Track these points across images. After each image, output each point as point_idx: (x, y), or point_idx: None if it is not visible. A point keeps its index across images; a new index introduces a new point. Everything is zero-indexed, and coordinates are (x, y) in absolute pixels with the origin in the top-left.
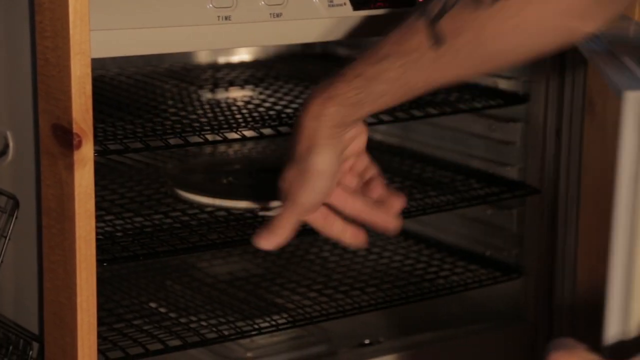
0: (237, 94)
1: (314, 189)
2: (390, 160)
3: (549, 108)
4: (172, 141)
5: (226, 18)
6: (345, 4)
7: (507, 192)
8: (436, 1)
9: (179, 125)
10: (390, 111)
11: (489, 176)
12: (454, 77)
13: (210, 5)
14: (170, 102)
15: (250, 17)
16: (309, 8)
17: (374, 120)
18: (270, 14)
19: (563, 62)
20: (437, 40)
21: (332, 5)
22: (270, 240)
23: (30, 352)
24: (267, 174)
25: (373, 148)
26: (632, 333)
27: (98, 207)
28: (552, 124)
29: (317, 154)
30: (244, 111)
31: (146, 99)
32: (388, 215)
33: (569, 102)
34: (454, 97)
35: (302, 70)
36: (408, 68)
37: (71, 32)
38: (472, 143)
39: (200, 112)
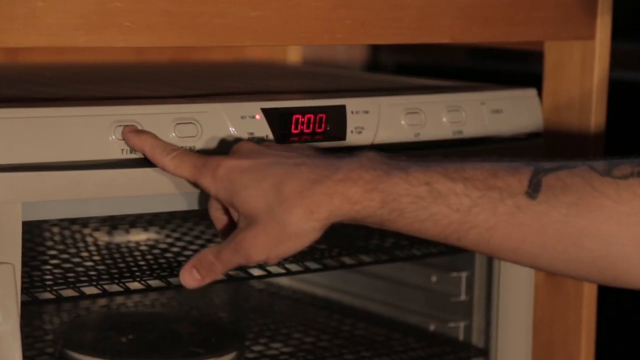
0: (140, 237)
1: (287, 253)
2: (317, 314)
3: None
4: (63, 293)
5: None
6: (267, 136)
7: (450, 354)
8: (552, 161)
9: (71, 275)
10: (318, 258)
11: (429, 334)
12: (526, 245)
13: (113, 137)
14: (60, 247)
15: None
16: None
17: (300, 269)
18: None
19: None
20: (536, 189)
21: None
22: (198, 283)
23: None
24: (173, 329)
25: (297, 300)
26: None
27: None
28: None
29: (312, 228)
30: (149, 257)
31: (31, 243)
32: None
33: None
34: (390, 243)
35: None
36: (485, 203)
37: None
38: (410, 295)
39: (96, 258)
